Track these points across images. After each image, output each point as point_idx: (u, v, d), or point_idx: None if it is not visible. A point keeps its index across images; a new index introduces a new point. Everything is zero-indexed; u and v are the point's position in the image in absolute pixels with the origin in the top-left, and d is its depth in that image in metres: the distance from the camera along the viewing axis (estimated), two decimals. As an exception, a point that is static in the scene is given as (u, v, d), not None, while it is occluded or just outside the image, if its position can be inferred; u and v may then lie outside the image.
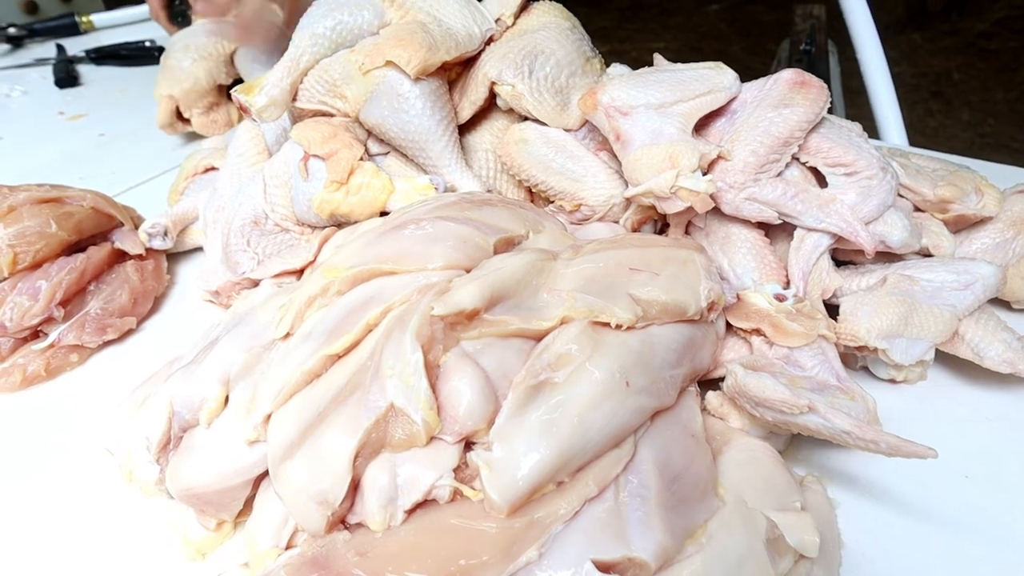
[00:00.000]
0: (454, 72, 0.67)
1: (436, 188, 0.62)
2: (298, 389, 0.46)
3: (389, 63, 0.62)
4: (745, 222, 0.59)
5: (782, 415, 0.46)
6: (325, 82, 0.66)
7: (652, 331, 0.49)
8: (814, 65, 1.08)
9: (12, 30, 1.35)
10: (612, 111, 0.59)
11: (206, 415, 0.49)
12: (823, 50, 1.12)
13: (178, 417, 0.50)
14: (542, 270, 0.51)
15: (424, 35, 0.63)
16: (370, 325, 0.48)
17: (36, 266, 0.67)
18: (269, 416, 0.46)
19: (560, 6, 0.72)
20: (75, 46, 1.36)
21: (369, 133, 0.69)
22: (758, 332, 0.55)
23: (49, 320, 0.66)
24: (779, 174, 0.58)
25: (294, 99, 0.68)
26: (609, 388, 0.44)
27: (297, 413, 0.45)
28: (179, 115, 0.98)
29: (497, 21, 0.69)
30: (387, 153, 0.69)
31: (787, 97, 0.58)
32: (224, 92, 0.99)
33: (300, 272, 0.63)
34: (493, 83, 0.64)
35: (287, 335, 0.51)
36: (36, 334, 0.67)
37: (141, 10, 1.40)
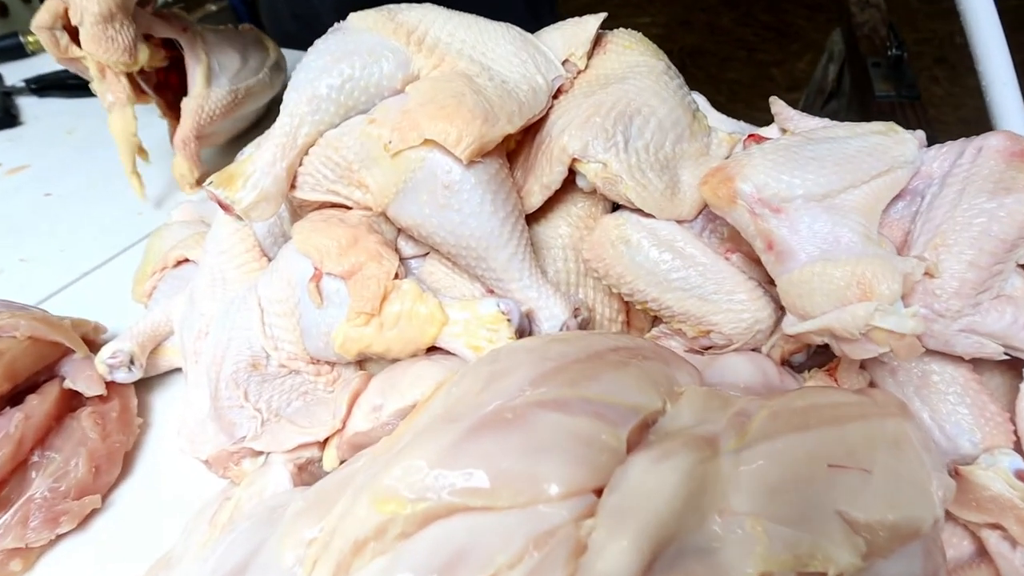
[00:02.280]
0: (513, 140, 0.49)
1: (509, 320, 0.44)
2: None
3: (429, 142, 0.44)
4: (949, 355, 0.42)
5: None
6: (335, 164, 0.47)
7: (879, 571, 0.33)
8: (903, 75, 0.90)
9: (-53, 57, 1.13)
10: (759, 206, 0.41)
11: None
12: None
13: None
14: (705, 478, 0.34)
15: (475, 98, 0.45)
16: (462, 608, 0.30)
17: (-46, 434, 0.49)
18: None
19: (643, 37, 0.53)
20: (16, 72, 1.14)
21: (400, 229, 0.50)
22: (994, 525, 0.38)
23: (-23, 513, 0.48)
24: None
25: (292, 187, 0.49)
26: None
27: None
28: (66, 23, 0.73)
29: (565, 63, 0.50)
30: (426, 254, 0.51)
31: (1005, 176, 0.41)
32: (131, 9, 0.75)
33: (323, 444, 0.45)
34: (575, 159, 0.46)
35: (323, 594, 0.34)
36: (-39, 530, 0.49)
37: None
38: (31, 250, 0.77)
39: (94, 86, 0.78)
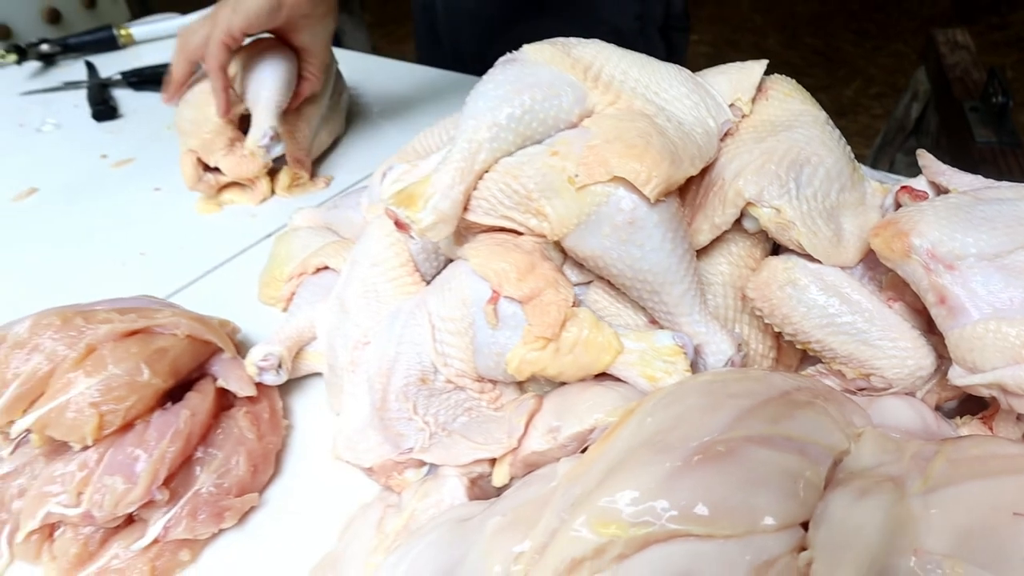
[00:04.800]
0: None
1: (685, 353, 0.46)
2: None
3: (617, 179, 0.46)
4: (1108, 411, 0.44)
5: None
6: (513, 192, 0.50)
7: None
8: (1005, 122, 0.92)
9: (45, 47, 1.15)
10: (933, 262, 0.43)
11: None
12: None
13: None
14: (900, 517, 0.37)
15: (661, 139, 0.47)
16: (689, 629, 0.33)
17: (126, 427, 0.51)
18: None
19: (798, 84, 0.56)
20: (108, 64, 1.17)
21: (565, 255, 0.53)
22: None
23: (148, 504, 0.50)
24: None
25: (464, 209, 0.51)
26: None
27: None
28: (203, 165, 0.85)
29: (731, 107, 0.53)
30: (589, 283, 0.53)
31: None
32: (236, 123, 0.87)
33: (493, 460, 0.48)
34: (749, 203, 0.48)
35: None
36: (129, 520, 0.51)
37: (186, 21, 1.21)
38: (149, 245, 0.80)
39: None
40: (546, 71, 0.51)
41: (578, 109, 0.51)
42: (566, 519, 0.38)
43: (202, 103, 0.85)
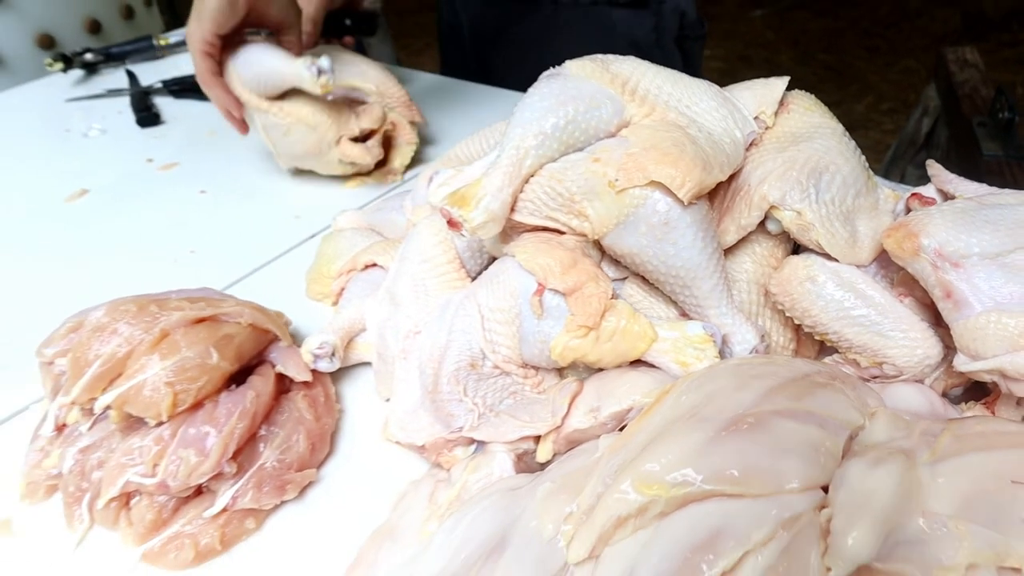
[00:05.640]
0: (709, 185, 0.56)
1: (715, 341, 0.51)
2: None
3: (653, 183, 0.51)
4: (1101, 397, 0.48)
5: None
6: (558, 195, 0.54)
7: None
8: (1012, 137, 0.97)
9: (89, 56, 1.21)
10: (940, 260, 0.48)
11: None
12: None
13: None
14: (910, 483, 0.41)
15: (694, 148, 0.52)
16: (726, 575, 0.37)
17: (196, 405, 0.56)
18: None
19: (818, 100, 0.60)
20: (146, 72, 1.22)
21: (603, 253, 0.57)
22: None
23: (217, 475, 0.55)
24: None
25: (511, 210, 0.56)
26: None
27: None
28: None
29: (755, 119, 0.58)
30: (625, 278, 0.57)
31: None
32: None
33: (537, 437, 0.52)
34: (773, 207, 0.53)
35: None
36: (199, 490, 0.56)
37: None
38: (199, 243, 0.84)
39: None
40: (587, 85, 0.56)
41: (616, 120, 0.55)
42: (611, 483, 0.42)
43: (293, 120, 0.86)
